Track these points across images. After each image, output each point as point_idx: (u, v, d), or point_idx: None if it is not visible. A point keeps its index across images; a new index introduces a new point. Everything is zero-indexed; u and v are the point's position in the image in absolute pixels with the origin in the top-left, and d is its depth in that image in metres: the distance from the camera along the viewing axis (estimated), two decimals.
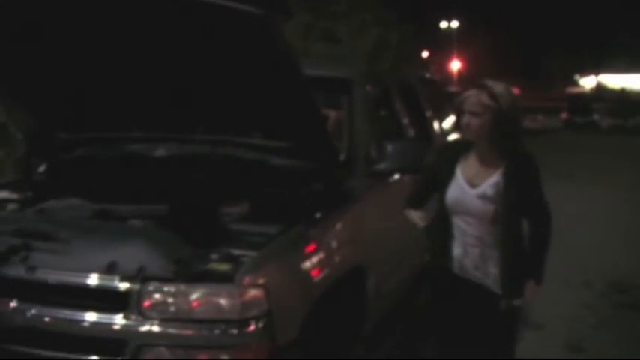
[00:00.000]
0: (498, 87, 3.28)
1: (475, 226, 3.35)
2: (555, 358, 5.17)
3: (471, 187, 3.34)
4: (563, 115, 39.33)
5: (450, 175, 3.40)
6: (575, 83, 60.14)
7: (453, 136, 7.70)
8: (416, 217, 3.68)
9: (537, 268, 3.42)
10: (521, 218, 3.36)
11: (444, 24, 48.30)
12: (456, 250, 3.42)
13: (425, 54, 43.12)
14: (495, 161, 3.33)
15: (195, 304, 3.05)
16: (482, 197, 3.29)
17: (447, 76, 48.44)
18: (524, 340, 5.36)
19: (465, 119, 3.30)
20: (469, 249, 3.38)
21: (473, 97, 3.29)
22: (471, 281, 3.39)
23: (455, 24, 47.96)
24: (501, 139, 3.28)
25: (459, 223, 3.40)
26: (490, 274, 3.36)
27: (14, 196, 4.44)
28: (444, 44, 48.60)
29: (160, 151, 4.43)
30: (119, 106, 4.33)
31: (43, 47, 3.98)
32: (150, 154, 4.44)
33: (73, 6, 3.64)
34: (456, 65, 50.57)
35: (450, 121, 7.74)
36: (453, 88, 24.82)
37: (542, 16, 56.36)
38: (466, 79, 47.23)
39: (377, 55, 21.65)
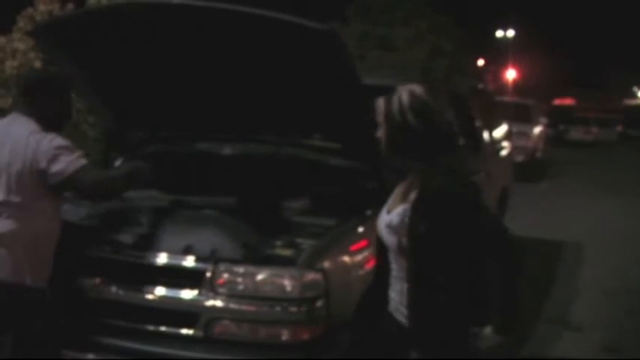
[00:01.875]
0: (402, 91, 2.73)
1: (393, 259, 2.77)
2: (589, 358, 5.36)
3: (387, 214, 2.79)
4: (619, 128, 38.64)
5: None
6: (634, 95, 59.11)
7: (504, 145, 7.99)
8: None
9: (495, 313, 2.71)
10: (445, 255, 2.59)
11: (499, 33, 48.00)
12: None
13: (480, 62, 43.01)
14: (411, 184, 2.73)
15: (260, 283, 3.42)
16: (389, 226, 2.73)
17: (502, 85, 48.11)
18: (562, 340, 5.66)
19: None
20: (393, 283, 2.79)
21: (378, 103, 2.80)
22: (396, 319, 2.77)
23: (511, 33, 47.63)
24: (399, 155, 2.73)
25: None
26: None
27: None
28: (499, 53, 48.30)
29: (227, 150, 4.79)
30: (190, 109, 4.69)
31: (125, 55, 4.38)
32: (218, 152, 4.80)
33: (153, 20, 4.03)
34: (511, 75, 50.19)
35: (500, 131, 8.00)
36: (508, 98, 24.77)
37: (601, 27, 55.66)
38: (521, 88, 46.90)
39: (431, 64, 21.78)
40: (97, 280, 3.70)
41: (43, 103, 3.42)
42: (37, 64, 7.89)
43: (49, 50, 4.77)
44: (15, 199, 3.26)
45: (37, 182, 3.27)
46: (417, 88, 2.73)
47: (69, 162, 3.26)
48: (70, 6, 8.07)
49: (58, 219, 3.46)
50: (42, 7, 8.00)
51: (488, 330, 2.71)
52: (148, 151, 5.08)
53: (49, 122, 3.40)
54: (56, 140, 3.30)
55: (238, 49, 4.03)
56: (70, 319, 3.68)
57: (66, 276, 3.65)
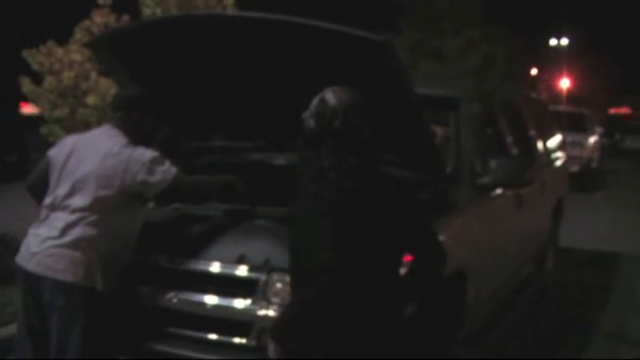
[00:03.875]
0: (320, 94, 2.81)
1: None
2: None
3: None
4: None
5: None
6: None
7: (558, 155, 7.87)
8: None
9: None
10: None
11: (553, 41, 47.33)
12: None
13: (534, 71, 42.46)
14: None
15: None
16: None
17: (556, 94, 47.41)
18: (620, 355, 5.54)
19: None
20: None
21: None
22: None
23: (564, 42, 46.92)
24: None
25: None
26: None
27: None
28: (553, 62, 47.61)
29: (280, 160, 4.80)
30: (242, 119, 4.74)
31: (179, 66, 4.42)
32: (271, 162, 4.81)
33: (207, 31, 4.06)
34: (565, 84, 49.43)
35: (554, 141, 7.88)
36: (563, 107, 24.41)
37: None
38: (575, 98, 46.16)
39: (484, 73, 21.54)
40: (151, 288, 3.75)
41: (135, 118, 3.66)
42: (94, 76, 8.04)
43: (105, 61, 4.84)
44: (97, 206, 3.43)
45: (123, 192, 3.46)
46: (330, 94, 2.72)
47: (165, 171, 3.49)
48: (126, 18, 8.20)
49: (134, 230, 3.64)
50: (98, 19, 8.13)
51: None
52: (202, 161, 5.13)
53: (138, 136, 3.63)
54: (148, 152, 3.51)
55: (292, 60, 4.04)
56: (125, 325, 3.73)
57: (121, 282, 3.69)
